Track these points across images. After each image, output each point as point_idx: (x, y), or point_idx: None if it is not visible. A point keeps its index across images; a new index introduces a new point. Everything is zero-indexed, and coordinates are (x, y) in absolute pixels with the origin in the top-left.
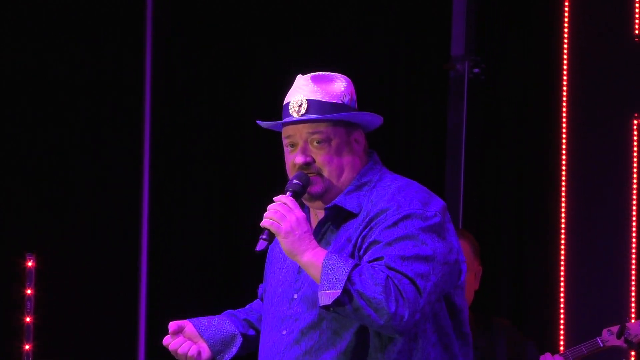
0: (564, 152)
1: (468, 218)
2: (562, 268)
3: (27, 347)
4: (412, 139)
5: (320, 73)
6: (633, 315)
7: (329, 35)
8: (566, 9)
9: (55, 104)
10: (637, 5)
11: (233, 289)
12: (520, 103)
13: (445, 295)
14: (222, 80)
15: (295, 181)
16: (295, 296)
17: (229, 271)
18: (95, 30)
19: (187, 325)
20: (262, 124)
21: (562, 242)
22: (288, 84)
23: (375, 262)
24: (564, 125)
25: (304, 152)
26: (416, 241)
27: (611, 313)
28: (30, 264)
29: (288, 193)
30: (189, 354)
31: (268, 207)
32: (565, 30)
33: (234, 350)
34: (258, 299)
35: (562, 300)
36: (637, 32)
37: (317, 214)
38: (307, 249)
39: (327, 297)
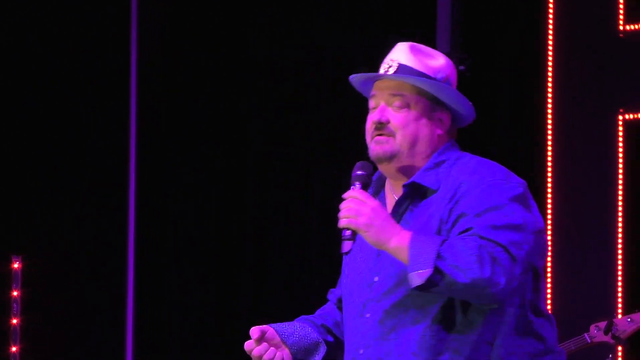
0: (549, 148)
1: None
2: (549, 264)
3: (13, 349)
4: None
5: (422, 45)
6: (620, 311)
7: (314, 31)
8: (551, 5)
9: (40, 106)
10: (621, 0)
11: (220, 290)
12: (505, 100)
13: (533, 267)
14: (210, 74)
15: (358, 172)
16: (376, 279)
17: (218, 272)
18: (80, 27)
19: (269, 330)
20: (354, 76)
21: (549, 238)
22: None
23: (465, 234)
24: (550, 121)
25: (382, 111)
26: (505, 210)
27: (598, 309)
28: (16, 266)
29: (356, 185)
30: None
31: (340, 207)
32: (550, 26)
33: (317, 358)
34: (329, 303)
35: (549, 296)
36: (621, 27)
37: (393, 194)
38: (392, 235)
39: (418, 277)
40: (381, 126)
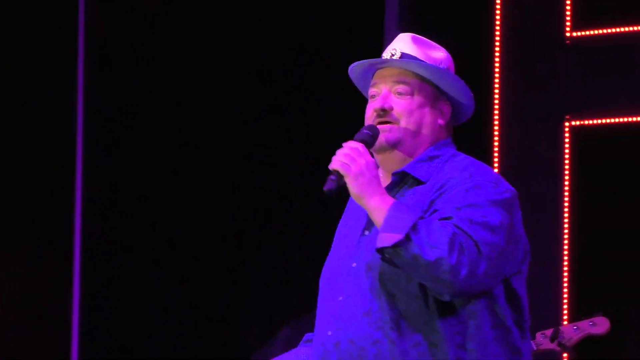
0: (496, 154)
1: None
2: None
3: None
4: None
5: (423, 37)
6: (566, 319)
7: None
8: (497, 11)
9: None
10: (568, 7)
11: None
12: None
13: (504, 279)
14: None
15: (365, 131)
16: (354, 264)
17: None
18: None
19: None
20: (357, 64)
21: None
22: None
23: (444, 220)
24: (496, 127)
25: (385, 98)
26: (484, 210)
27: (544, 317)
28: None
29: (359, 140)
30: None
31: (337, 152)
32: (497, 32)
33: None
34: None
35: None
36: (568, 34)
37: (384, 180)
38: (377, 193)
39: (387, 238)
40: (384, 113)
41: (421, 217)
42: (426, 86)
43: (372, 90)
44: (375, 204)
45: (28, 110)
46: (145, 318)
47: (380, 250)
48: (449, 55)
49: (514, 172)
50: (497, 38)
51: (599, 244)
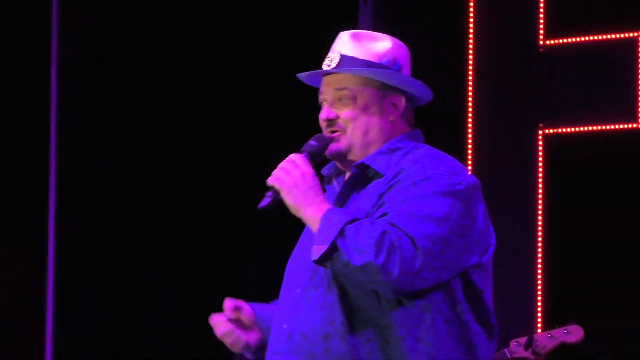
0: (469, 162)
1: None
2: None
3: None
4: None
5: (366, 31)
6: (540, 327)
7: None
8: (471, 19)
9: None
10: (541, 15)
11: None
12: (425, 114)
13: (463, 272)
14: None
15: (311, 142)
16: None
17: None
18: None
19: (246, 309)
20: (302, 75)
21: None
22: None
23: (380, 219)
24: (470, 135)
25: (329, 107)
26: (430, 202)
27: (518, 324)
28: None
29: (304, 153)
30: (238, 346)
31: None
32: (470, 40)
33: None
34: None
35: None
36: (541, 42)
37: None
38: (312, 203)
39: (316, 251)
40: (331, 123)
41: (353, 220)
42: (368, 88)
43: (319, 98)
44: (310, 214)
45: (8, 111)
46: (137, 320)
47: (317, 262)
48: (398, 43)
49: (487, 179)
50: (471, 45)
51: (572, 253)
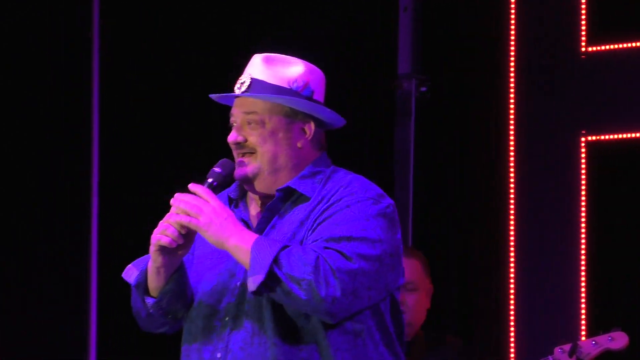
0: (512, 170)
1: (417, 237)
2: (512, 286)
3: None
4: (360, 157)
5: (279, 55)
6: (584, 334)
7: (276, 49)
8: (512, 26)
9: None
10: (583, 22)
11: None
12: (467, 121)
13: (391, 292)
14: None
15: (216, 169)
16: (238, 283)
17: None
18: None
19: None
20: (213, 96)
21: (512, 260)
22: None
23: (314, 243)
24: (512, 143)
25: (238, 130)
26: (364, 224)
27: (563, 331)
28: None
29: (208, 181)
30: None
31: (177, 199)
32: (512, 47)
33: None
34: None
35: (512, 318)
36: (583, 49)
37: (258, 202)
38: (233, 233)
39: (253, 282)
40: (239, 146)
41: (285, 247)
42: (278, 112)
43: (231, 120)
44: (234, 244)
45: (43, 108)
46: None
47: (255, 294)
48: (310, 68)
49: (530, 187)
50: (512, 54)
51: (615, 259)
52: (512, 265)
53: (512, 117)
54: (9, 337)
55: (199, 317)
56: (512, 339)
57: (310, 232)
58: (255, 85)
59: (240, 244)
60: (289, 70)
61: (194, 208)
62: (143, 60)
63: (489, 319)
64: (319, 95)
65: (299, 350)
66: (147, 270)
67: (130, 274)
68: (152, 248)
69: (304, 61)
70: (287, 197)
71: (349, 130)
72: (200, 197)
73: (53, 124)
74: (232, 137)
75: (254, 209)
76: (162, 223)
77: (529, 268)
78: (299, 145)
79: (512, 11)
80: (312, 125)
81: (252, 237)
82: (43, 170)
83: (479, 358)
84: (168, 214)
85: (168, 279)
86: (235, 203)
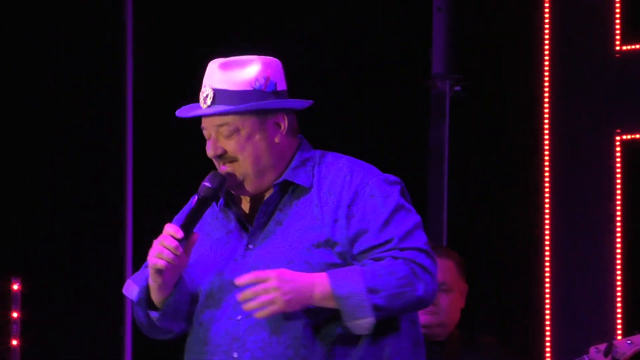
0: (546, 169)
1: (452, 236)
2: (548, 285)
3: None
4: (394, 157)
5: (232, 58)
6: (620, 333)
7: (309, 50)
8: (546, 25)
9: (39, 125)
10: (617, 20)
11: None
12: (501, 120)
13: None
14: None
15: (206, 184)
16: None
17: None
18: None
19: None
20: (181, 115)
21: (547, 260)
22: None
23: (386, 247)
24: (547, 142)
25: (214, 144)
26: (406, 211)
27: (598, 330)
28: (15, 287)
29: (201, 197)
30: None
31: (247, 304)
32: (546, 46)
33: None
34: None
35: (547, 317)
36: (618, 47)
37: (245, 201)
38: (311, 291)
39: (363, 326)
40: (220, 158)
41: (364, 272)
42: (248, 116)
43: (204, 132)
44: (318, 300)
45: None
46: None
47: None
48: (266, 61)
49: (564, 186)
50: (547, 53)
51: None
52: (547, 264)
53: (546, 116)
54: (47, 338)
55: (208, 319)
56: (547, 338)
57: (352, 235)
58: (219, 96)
59: (323, 295)
60: (247, 71)
61: (265, 299)
62: (177, 58)
63: (524, 318)
64: (282, 84)
65: (321, 344)
66: (147, 286)
67: (130, 289)
68: (150, 270)
69: (258, 56)
70: (285, 189)
71: (383, 130)
72: (267, 280)
73: (87, 135)
74: (211, 152)
75: (244, 205)
76: (156, 244)
77: (565, 267)
78: (276, 140)
79: (546, 10)
80: (284, 116)
81: (325, 280)
82: (78, 176)
83: (514, 357)
84: (162, 236)
85: (170, 291)
86: (225, 202)
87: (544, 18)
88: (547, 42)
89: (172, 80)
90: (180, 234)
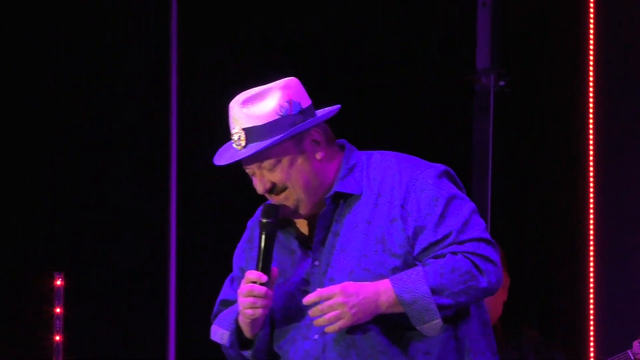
0: (591, 163)
1: (496, 231)
2: (591, 279)
3: None
4: (438, 152)
5: (249, 93)
6: None
7: (353, 52)
8: (591, 19)
9: (83, 123)
10: None
11: None
12: (546, 116)
13: None
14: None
15: (268, 220)
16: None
17: None
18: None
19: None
20: (215, 160)
21: (591, 253)
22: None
23: (445, 242)
24: (591, 137)
25: (261, 180)
26: (460, 200)
27: None
28: (59, 282)
29: (266, 234)
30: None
31: (317, 321)
32: (591, 39)
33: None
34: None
35: (591, 311)
36: None
37: (301, 222)
38: (376, 301)
39: (433, 330)
40: (271, 192)
41: (427, 274)
42: (284, 145)
43: (247, 171)
44: (386, 309)
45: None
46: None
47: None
48: (282, 86)
49: (610, 182)
50: (592, 46)
51: None
52: (591, 258)
53: (591, 111)
54: (90, 334)
55: (286, 341)
56: (591, 332)
57: (411, 234)
58: (251, 134)
59: (390, 304)
60: (269, 101)
61: (333, 315)
62: (222, 61)
63: (568, 312)
64: (305, 100)
65: (399, 348)
66: (237, 329)
67: (219, 334)
68: (244, 319)
69: (273, 83)
70: (337, 200)
71: (427, 125)
72: (329, 297)
73: (132, 137)
74: (260, 188)
75: (301, 223)
76: (245, 293)
77: (609, 261)
78: (318, 157)
79: (591, 5)
80: (318, 131)
81: (389, 287)
82: (123, 173)
83: (557, 351)
84: (249, 286)
85: (261, 326)
86: (280, 224)
87: (589, 13)
88: (592, 37)
89: (216, 80)
90: (264, 278)
